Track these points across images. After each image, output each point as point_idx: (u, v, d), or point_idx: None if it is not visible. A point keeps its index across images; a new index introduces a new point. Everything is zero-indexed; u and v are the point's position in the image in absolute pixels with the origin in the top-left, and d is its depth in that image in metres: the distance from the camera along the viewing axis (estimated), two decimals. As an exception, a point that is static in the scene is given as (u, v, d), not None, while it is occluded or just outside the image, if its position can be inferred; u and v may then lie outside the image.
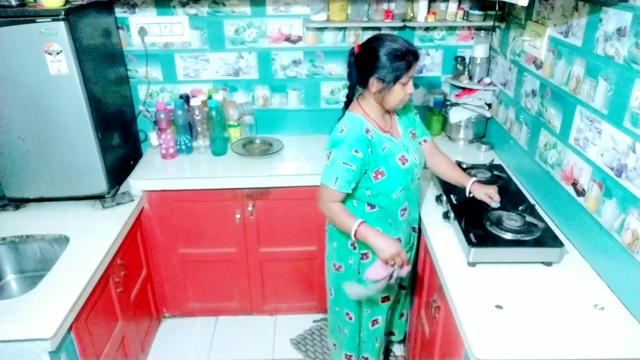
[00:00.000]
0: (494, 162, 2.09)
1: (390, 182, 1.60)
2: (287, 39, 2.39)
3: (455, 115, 2.38)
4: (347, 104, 1.67)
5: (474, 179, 1.76)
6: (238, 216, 2.21)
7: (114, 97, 2.19)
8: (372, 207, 1.64)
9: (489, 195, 1.68)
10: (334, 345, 2.01)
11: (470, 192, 1.73)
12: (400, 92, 1.54)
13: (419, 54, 1.54)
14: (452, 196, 1.78)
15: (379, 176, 1.58)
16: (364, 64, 1.53)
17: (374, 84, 1.52)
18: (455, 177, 1.79)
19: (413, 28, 2.38)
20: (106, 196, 2.02)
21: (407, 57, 1.49)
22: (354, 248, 1.70)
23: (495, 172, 1.97)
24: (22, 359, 1.36)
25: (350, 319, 1.85)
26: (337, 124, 1.61)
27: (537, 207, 1.73)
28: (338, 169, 1.53)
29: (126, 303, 1.97)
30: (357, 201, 1.65)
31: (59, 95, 1.81)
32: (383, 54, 1.48)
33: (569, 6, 1.64)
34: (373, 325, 1.87)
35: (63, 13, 1.71)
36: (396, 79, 1.50)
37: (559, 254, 1.50)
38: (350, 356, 1.95)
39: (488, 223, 1.60)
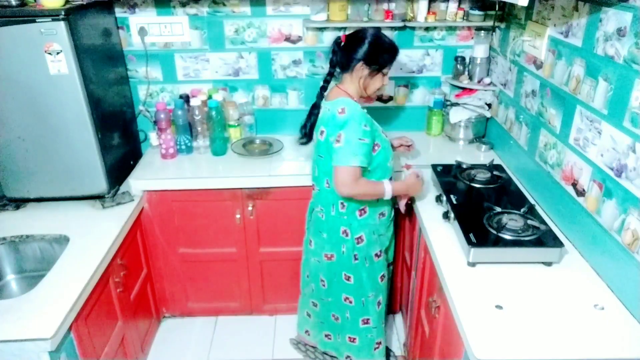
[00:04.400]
0: (494, 162, 2.09)
1: (385, 151, 1.74)
2: (287, 39, 2.39)
3: (455, 115, 2.38)
4: (323, 89, 1.78)
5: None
6: (238, 216, 2.21)
7: (114, 97, 2.19)
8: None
9: (402, 143, 1.95)
10: (327, 336, 2.04)
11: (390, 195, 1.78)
12: (380, 81, 1.73)
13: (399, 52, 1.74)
14: (452, 196, 1.78)
15: (377, 147, 1.70)
16: (354, 50, 1.66)
17: (360, 68, 1.67)
18: None
19: (413, 28, 2.38)
20: (106, 196, 2.02)
21: (393, 51, 1.70)
22: (347, 235, 1.78)
23: (495, 172, 1.97)
24: (22, 359, 1.35)
25: (350, 302, 1.89)
26: (330, 109, 1.67)
27: (537, 207, 1.74)
28: (355, 147, 1.61)
29: (126, 303, 1.97)
30: None
31: (59, 95, 1.81)
32: (374, 44, 1.65)
33: (569, 6, 1.64)
34: (378, 306, 1.91)
35: (63, 13, 1.71)
36: (380, 68, 1.69)
37: (559, 254, 1.50)
38: (354, 339, 1.97)
39: (488, 223, 1.60)
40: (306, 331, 2.16)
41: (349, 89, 1.72)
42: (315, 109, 1.80)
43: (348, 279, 1.85)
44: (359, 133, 1.61)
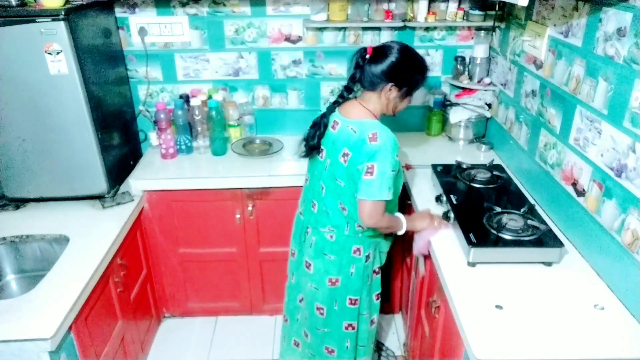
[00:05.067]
0: (494, 162, 2.09)
1: (401, 174, 1.68)
2: (287, 39, 2.39)
3: (455, 115, 2.38)
4: (336, 104, 1.62)
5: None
6: (238, 216, 2.21)
7: (114, 97, 2.19)
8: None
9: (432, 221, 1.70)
10: None
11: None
12: (407, 102, 1.61)
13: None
14: (452, 196, 1.78)
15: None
16: (384, 69, 1.50)
17: (389, 90, 1.53)
18: None
19: (413, 28, 2.38)
20: (106, 196, 2.02)
21: (425, 71, 1.56)
22: (359, 253, 1.67)
23: (495, 172, 1.97)
24: (22, 359, 1.35)
25: (354, 328, 1.76)
26: (357, 131, 1.51)
27: (537, 207, 1.73)
28: (387, 180, 1.49)
29: (126, 303, 1.97)
30: None
31: (59, 95, 1.81)
32: (407, 64, 1.51)
33: (569, 6, 1.64)
34: (371, 325, 1.83)
35: (63, 13, 1.71)
36: (411, 90, 1.56)
37: (559, 254, 1.50)
38: None
39: (488, 223, 1.60)
40: None
41: (373, 108, 1.57)
42: (324, 119, 1.61)
43: (354, 302, 1.71)
44: (392, 164, 1.49)
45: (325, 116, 1.62)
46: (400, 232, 1.68)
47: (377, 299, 1.80)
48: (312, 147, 1.64)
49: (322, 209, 1.67)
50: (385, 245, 1.78)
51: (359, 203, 1.54)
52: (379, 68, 1.50)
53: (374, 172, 1.48)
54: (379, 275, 1.79)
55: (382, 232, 1.68)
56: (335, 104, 1.62)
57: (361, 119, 1.55)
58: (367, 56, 1.52)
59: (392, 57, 1.49)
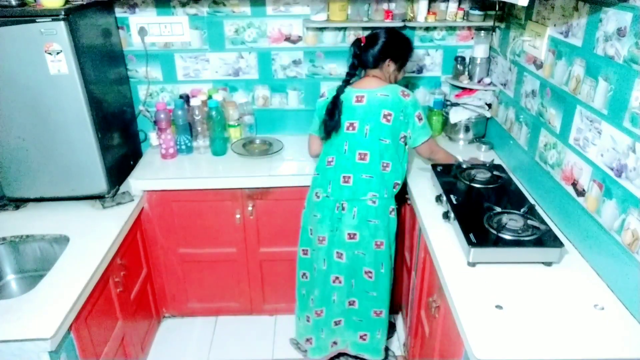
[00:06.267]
0: (494, 162, 2.09)
1: None
2: (287, 39, 2.39)
3: (455, 115, 2.38)
4: (343, 87, 1.86)
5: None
6: (238, 216, 2.21)
7: (114, 97, 2.19)
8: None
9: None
10: (363, 337, 2.03)
11: None
12: (402, 74, 1.92)
13: None
14: (452, 196, 1.78)
15: None
16: (380, 49, 1.81)
17: (388, 65, 1.84)
18: None
19: (413, 28, 2.38)
20: (106, 196, 2.02)
21: (411, 45, 1.90)
22: (392, 213, 1.90)
23: (495, 172, 1.97)
24: (22, 359, 1.35)
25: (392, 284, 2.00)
26: (387, 94, 1.80)
27: (537, 207, 1.73)
28: (428, 119, 1.86)
29: (126, 303, 1.97)
30: (403, 162, 1.89)
31: (59, 95, 1.81)
32: (397, 42, 1.84)
33: (569, 6, 1.64)
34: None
35: (63, 13, 1.71)
36: (404, 63, 1.89)
37: (559, 254, 1.50)
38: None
39: (488, 223, 1.60)
40: (333, 343, 2.07)
41: (384, 78, 1.86)
42: (338, 100, 1.83)
43: (395, 259, 1.98)
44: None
45: (338, 97, 1.83)
46: (453, 161, 2.02)
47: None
48: (333, 126, 1.84)
49: (360, 178, 1.84)
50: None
51: (421, 147, 1.89)
52: (376, 49, 1.82)
53: (422, 117, 1.84)
54: None
55: (442, 162, 2.00)
56: (345, 84, 1.86)
57: (384, 85, 1.84)
58: (362, 44, 1.82)
59: (383, 39, 1.82)
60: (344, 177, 1.84)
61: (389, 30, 1.84)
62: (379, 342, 2.04)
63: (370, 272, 1.90)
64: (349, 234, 1.86)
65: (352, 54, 1.84)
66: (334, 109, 1.82)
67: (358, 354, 2.09)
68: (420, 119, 1.82)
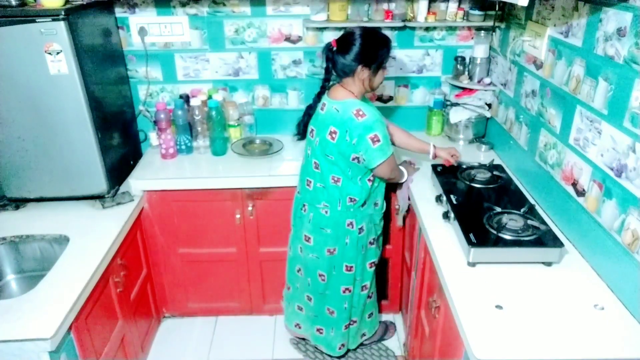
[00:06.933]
0: (494, 162, 2.09)
1: None
2: (287, 39, 2.39)
3: (455, 115, 2.38)
4: (321, 94, 1.81)
5: (432, 142, 1.99)
6: (238, 216, 2.21)
7: (114, 97, 2.19)
8: (370, 180, 1.82)
9: (451, 154, 1.96)
10: (319, 330, 2.09)
11: (435, 156, 1.98)
12: (382, 75, 1.76)
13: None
14: (452, 196, 1.78)
15: None
16: (350, 55, 1.66)
17: (361, 71, 1.68)
18: (416, 145, 2.02)
19: (413, 28, 2.38)
20: (106, 196, 2.02)
21: (388, 43, 1.71)
22: (352, 227, 1.85)
23: (495, 172, 1.97)
24: (22, 359, 1.35)
25: (350, 291, 1.97)
26: (340, 110, 1.69)
27: (537, 207, 1.74)
28: (388, 138, 1.72)
29: (126, 303, 1.97)
30: (360, 178, 1.79)
31: (59, 95, 1.81)
32: (368, 43, 1.66)
33: (569, 6, 1.64)
34: (362, 290, 2.02)
35: (63, 13, 1.71)
36: (380, 64, 1.71)
37: (559, 254, 1.50)
38: (349, 324, 2.06)
39: (488, 223, 1.60)
40: (296, 324, 2.18)
41: (353, 89, 1.73)
42: (311, 109, 1.85)
43: (349, 269, 1.92)
44: (385, 127, 1.71)
45: (312, 106, 1.84)
46: (404, 179, 1.96)
47: (371, 267, 2.01)
48: (299, 130, 1.90)
49: (317, 185, 1.84)
50: (377, 217, 1.96)
51: (377, 169, 1.74)
52: (346, 57, 1.67)
53: (380, 138, 1.67)
54: (374, 246, 1.97)
55: (397, 181, 1.94)
56: (321, 92, 1.81)
57: (343, 99, 1.71)
58: (334, 48, 1.69)
59: (356, 44, 1.66)
60: (307, 180, 1.88)
61: (363, 32, 1.67)
62: (332, 339, 2.07)
63: (323, 275, 1.94)
64: (305, 236, 1.92)
65: (325, 59, 1.74)
66: (304, 113, 1.87)
67: (317, 345, 2.16)
68: (376, 141, 1.66)
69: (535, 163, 1.89)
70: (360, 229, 1.87)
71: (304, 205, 1.91)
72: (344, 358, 2.20)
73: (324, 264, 1.92)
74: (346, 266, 1.91)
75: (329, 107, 1.74)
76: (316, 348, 2.21)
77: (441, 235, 1.68)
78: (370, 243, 1.95)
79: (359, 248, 1.89)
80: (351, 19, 2.29)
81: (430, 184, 2.01)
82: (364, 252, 1.93)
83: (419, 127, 2.57)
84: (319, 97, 1.83)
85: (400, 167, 1.95)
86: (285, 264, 2.29)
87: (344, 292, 1.96)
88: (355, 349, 2.22)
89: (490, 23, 2.28)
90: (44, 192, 1.98)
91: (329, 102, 1.75)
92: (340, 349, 2.08)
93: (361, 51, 1.66)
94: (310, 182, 1.86)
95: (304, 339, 2.26)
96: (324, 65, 1.75)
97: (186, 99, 2.35)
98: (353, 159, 1.73)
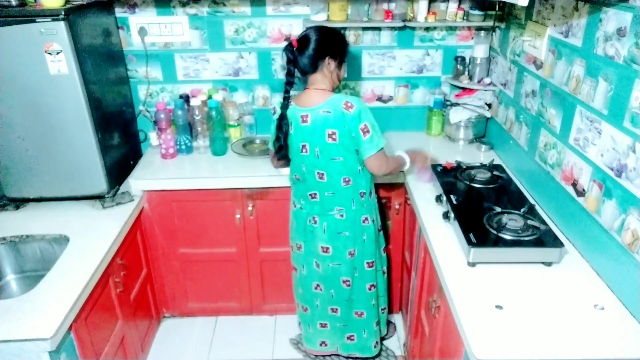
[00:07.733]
0: (494, 162, 2.09)
1: None
2: (287, 39, 2.38)
3: (455, 115, 2.38)
4: (286, 100, 1.73)
5: (399, 152, 1.94)
6: (238, 216, 2.21)
7: (114, 97, 2.19)
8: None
9: (421, 161, 1.97)
10: (350, 337, 2.06)
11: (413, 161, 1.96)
12: (344, 70, 1.79)
13: None
14: (452, 196, 1.78)
15: None
16: (316, 49, 1.67)
17: (328, 64, 1.69)
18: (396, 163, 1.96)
19: (413, 28, 2.38)
20: (106, 196, 2.02)
21: (345, 39, 1.77)
22: (367, 221, 1.86)
23: (495, 172, 1.97)
24: (22, 359, 1.35)
25: (375, 287, 1.97)
26: (330, 110, 1.65)
27: (537, 207, 1.73)
28: (378, 128, 1.70)
29: (126, 303, 1.97)
30: (362, 169, 1.78)
31: (59, 95, 1.81)
32: (331, 38, 1.70)
33: (569, 6, 1.64)
34: (384, 275, 2.07)
35: (63, 13, 1.71)
36: (343, 57, 1.75)
37: (559, 254, 1.50)
38: (379, 320, 2.07)
39: (488, 223, 1.60)
40: (322, 343, 2.12)
41: (325, 85, 1.72)
42: (284, 120, 1.74)
43: (371, 265, 1.92)
44: (372, 115, 1.68)
45: (284, 118, 1.74)
46: (406, 167, 1.91)
47: (384, 252, 2.06)
48: (280, 147, 1.79)
49: (324, 195, 1.80)
50: (376, 206, 1.96)
51: (367, 162, 1.72)
52: (311, 49, 1.66)
53: (369, 128, 1.66)
54: (381, 232, 2.01)
55: (394, 174, 1.93)
56: (287, 102, 1.73)
57: (326, 100, 1.68)
58: (294, 48, 1.67)
59: (319, 37, 1.67)
60: (310, 194, 1.83)
61: (319, 28, 1.70)
62: (366, 340, 2.06)
63: (348, 281, 1.92)
64: (322, 248, 1.87)
65: (286, 61, 1.69)
66: (280, 127, 1.75)
67: (350, 354, 2.12)
68: (365, 132, 1.65)
69: (535, 163, 1.89)
70: (373, 221, 1.89)
71: (312, 218, 1.85)
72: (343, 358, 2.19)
73: (347, 268, 1.89)
74: (367, 263, 1.91)
75: (315, 115, 1.67)
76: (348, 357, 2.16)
77: (441, 235, 1.68)
78: (379, 230, 1.97)
79: (375, 240, 1.91)
80: (351, 19, 2.29)
81: (430, 184, 2.01)
82: (378, 241, 1.95)
83: (419, 127, 2.57)
84: (286, 107, 1.73)
85: (400, 154, 1.91)
86: (285, 264, 2.30)
87: (369, 289, 1.95)
88: None
89: (490, 23, 2.28)
90: (44, 192, 1.98)
91: (312, 111, 1.68)
92: (375, 347, 2.07)
93: (326, 43, 1.68)
94: (315, 194, 1.81)
95: (334, 354, 2.18)
96: (285, 68, 1.70)
97: (186, 99, 2.35)
98: (357, 151, 1.72)
